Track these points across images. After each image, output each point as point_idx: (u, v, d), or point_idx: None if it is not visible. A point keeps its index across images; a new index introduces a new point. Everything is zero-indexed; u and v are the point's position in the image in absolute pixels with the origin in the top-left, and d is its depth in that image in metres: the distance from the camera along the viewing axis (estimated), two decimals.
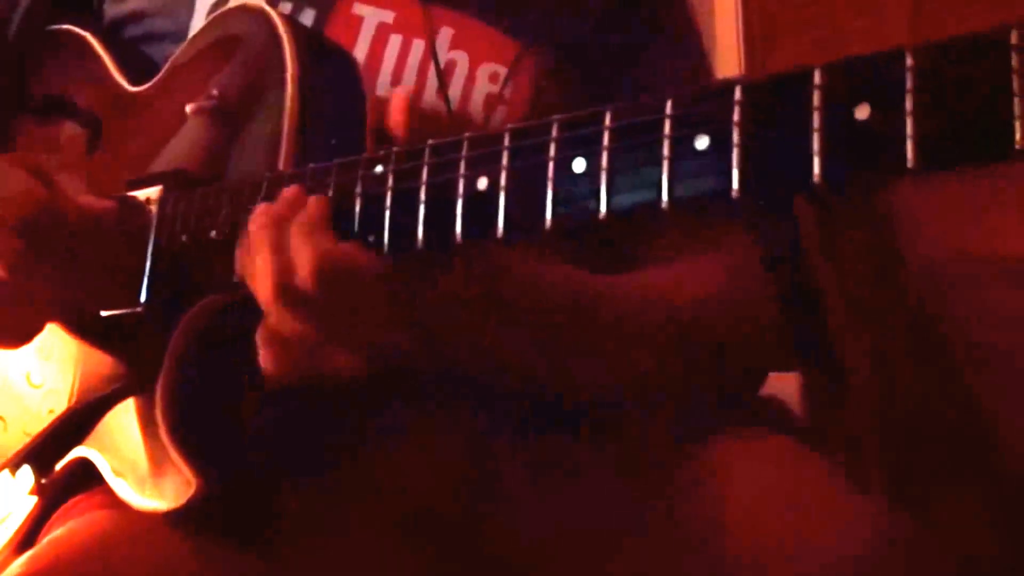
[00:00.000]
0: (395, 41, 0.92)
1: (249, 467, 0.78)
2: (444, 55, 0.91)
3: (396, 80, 0.90)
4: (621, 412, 0.88)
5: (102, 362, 0.86)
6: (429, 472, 0.87)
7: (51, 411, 0.89)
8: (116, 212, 0.81)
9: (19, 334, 0.84)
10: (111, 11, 1.02)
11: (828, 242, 1.07)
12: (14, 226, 0.75)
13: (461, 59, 0.92)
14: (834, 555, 0.69)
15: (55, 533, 0.81)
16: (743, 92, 0.53)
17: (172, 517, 0.75)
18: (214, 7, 0.95)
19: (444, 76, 0.91)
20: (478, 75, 0.92)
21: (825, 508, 0.72)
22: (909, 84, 0.48)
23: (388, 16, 0.92)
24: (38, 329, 0.85)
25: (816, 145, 0.50)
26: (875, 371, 1.04)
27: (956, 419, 0.99)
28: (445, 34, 0.92)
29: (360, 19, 0.92)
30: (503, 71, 0.92)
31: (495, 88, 0.92)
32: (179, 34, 0.95)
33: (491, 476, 0.87)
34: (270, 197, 0.73)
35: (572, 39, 0.94)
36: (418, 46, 0.92)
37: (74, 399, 0.89)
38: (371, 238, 0.66)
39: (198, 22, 0.96)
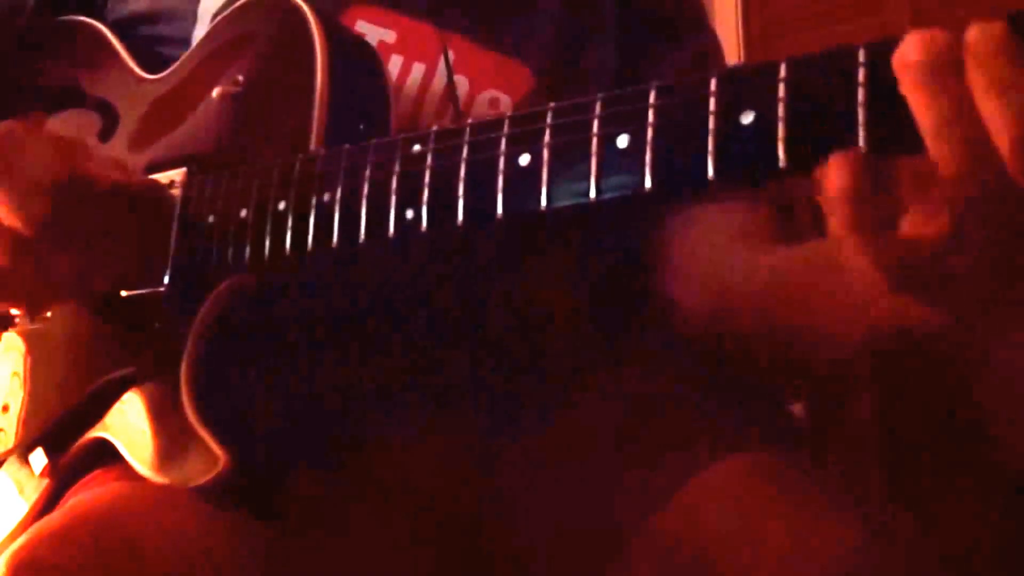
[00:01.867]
0: (396, 61, 0.92)
1: (266, 446, 0.78)
2: (444, 78, 0.92)
3: (395, 100, 0.89)
4: (622, 415, 0.89)
5: (115, 344, 0.86)
6: (432, 472, 0.87)
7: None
8: (142, 189, 0.81)
9: (31, 304, 0.84)
10: (114, 12, 1.03)
11: None
12: (46, 188, 0.75)
13: (461, 83, 0.92)
14: None
15: (70, 501, 0.80)
16: (787, 69, 0.55)
17: (199, 492, 0.75)
18: (216, 16, 0.95)
19: (449, 94, 0.91)
20: (477, 100, 0.93)
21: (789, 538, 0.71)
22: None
23: (390, 36, 0.93)
24: (49, 303, 0.85)
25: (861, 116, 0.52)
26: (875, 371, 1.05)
27: (956, 419, 1.01)
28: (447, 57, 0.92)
29: (361, 36, 0.91)
30: (504, 97, 0.93)
31: (494, 114, 0.91)
32: (182, 40, 0.95)
33: (493, 476, 0.87)
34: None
35: (580, 61, 0.95)
36: (419, 68, 0.92)
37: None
38: (409, 214, 0.67)
39: (201, 30, 0.96)
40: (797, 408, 1.06)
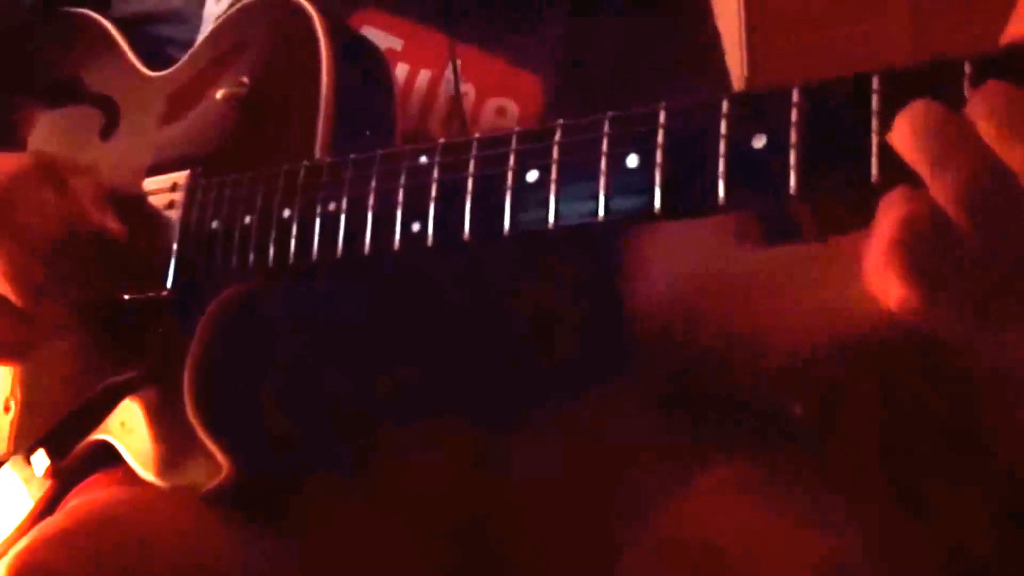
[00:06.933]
0: (402, 69, 0.91)
1: (271, 453, 0.78)
2: (450, 85, 0.91)
3: (401, 107, 0.89)
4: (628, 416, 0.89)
5: (119, 347, 0.85)
6: (441, 474, 0.88)
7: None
8: (128, 234, 0.82)
9: (17, 353, 0.85)
10: (119, 9, 1.02)
11: None
12: (35, 249, 0.75)
13: (468, 91, 0.92)
14: None
15: (71, 504, 0.80)
16: (800, 95, 0.55)
17: (204, 498, 0.75)
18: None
19: (457, 104, 0.90)
20: (484, 108, 0.92)
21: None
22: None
23: (397, 43, 0.92)
24: (38, 346, 0.85)
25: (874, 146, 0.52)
26: (875, 372, 1.05)
27: (956, 420, 1.01)
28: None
29: (366, 38, 0.90)
30: (511, 106, 0.92)
31: (501, 122, 0.91)
32: (187, 43, 0.94)
33: (502, 478, 0.87)
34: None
35: (591, 70, 0.94)
36: (424, 75, 0.92)
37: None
38: (415, 227, 0.67)
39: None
40: (796, 408, 1.06)
